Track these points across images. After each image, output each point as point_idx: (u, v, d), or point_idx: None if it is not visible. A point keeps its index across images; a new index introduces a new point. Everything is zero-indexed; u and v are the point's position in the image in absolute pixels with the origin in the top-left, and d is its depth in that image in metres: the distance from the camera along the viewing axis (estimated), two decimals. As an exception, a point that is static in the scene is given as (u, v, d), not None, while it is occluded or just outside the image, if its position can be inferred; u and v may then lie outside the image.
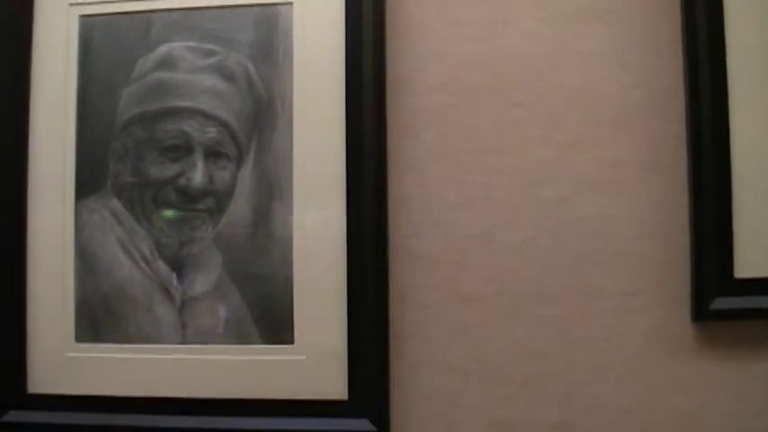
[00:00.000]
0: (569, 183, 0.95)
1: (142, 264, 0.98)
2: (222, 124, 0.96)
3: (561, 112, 0.96)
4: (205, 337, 0.97)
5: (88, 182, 0.99)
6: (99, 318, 0.99)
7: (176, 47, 0.98)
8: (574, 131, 0.95)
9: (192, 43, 0.98)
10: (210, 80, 0.97)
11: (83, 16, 1.00)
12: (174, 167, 0.97)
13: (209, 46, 0.98)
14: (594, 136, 0.95)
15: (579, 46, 0.96)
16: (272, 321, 0.96)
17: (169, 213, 0.98)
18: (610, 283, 0.94)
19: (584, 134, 0.95)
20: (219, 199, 0.97)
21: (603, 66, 0.96)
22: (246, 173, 0.97)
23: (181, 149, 0.97)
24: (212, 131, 0.96)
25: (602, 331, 0.94)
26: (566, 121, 0.96)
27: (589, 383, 0.94)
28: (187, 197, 0.97)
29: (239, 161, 0.97)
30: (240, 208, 0.97)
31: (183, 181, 0.97)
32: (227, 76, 0.97)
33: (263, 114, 0.97)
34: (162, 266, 0.97)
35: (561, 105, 0.96)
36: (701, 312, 0.92)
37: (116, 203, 0.99)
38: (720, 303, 0.91)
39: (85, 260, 0.99)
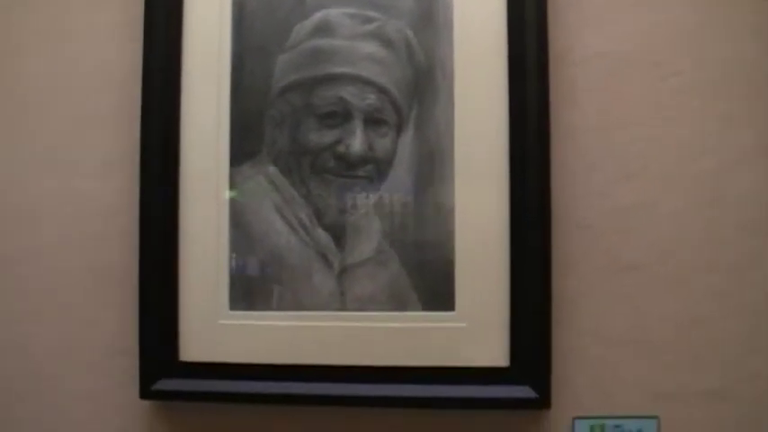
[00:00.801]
0: (728, 155, 0.95)
1: (300, 231, 0.97)
2: (382, 91, 0.96)
3: (718, 84, 0.96)
4: (364, 305, 0.97)
5: (243, 149, 0.98)
6: (254, 285, 0.98)
7: (333, 13, 0.98)
8: (731, 104, 0.96)
9: (350, 10, 0.97)
10: (369, 47, 0.97)
11: (237, -18, 0.99)
12: (333, 134, 0.97)
13: (369, 13, 0.97)
14: (752, 108, 0.95)
15: (735, 18, 0.96)
16: (433, 288, 0.96)
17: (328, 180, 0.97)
18: (769, 252, 0.95)
19: (741, 106, 0.96)
20: (379, 166, 0.96)
21: (760, 39, 0.96)
22: (407, 141, 0.96)
23: (339, 116, 0.97)
24: (372, 98, 0.96)
25: (762, 300, 0.94)
26: (723, 92, 0.96)
27: (748, 353, 0.94)
28: (346, 164, 0.96)
29: (399, 129, 0.97)
30: (400, 176, 0.96)
31: (341, 148, 0.96)
32: (387, 43, 0.97)
33: (423, 83, 0.97)
34: (321, 234, 0.97)
35: (717, 77, 0.96)
36: None
37: (272, 170, 0.98)
38: None
39: (241, 227, 0.98)
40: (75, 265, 1.01)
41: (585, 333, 0.96)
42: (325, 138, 0.97)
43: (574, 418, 0.96)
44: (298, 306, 0.97)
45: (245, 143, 0.98)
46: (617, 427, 0.96)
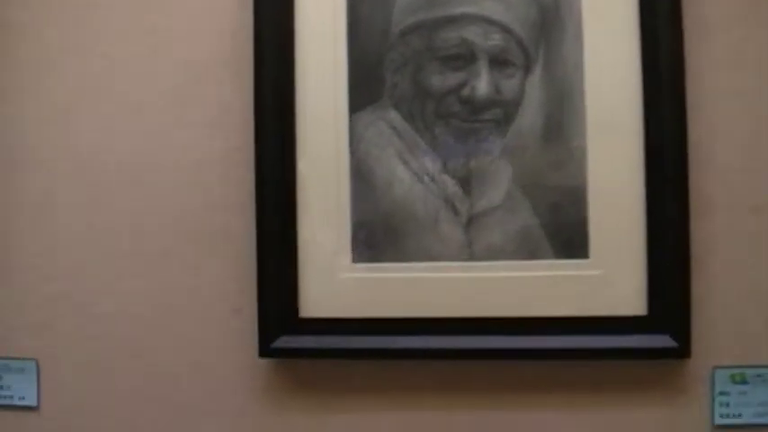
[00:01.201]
0: None
1: (425, 179, 0.93)
2: (507, 31, 0.92)
3: None
4: (493, 254, 0.93)
5: (362, 94, 0.94)
6: (377, 237, 0.94)
7: (452, -49, 0.93)
8: None
9: (470, -53, 0.93)
10: (492, -15, 0.92)
11: None
12: (457, 77, 0.93)
13: (491, -50, 0.93)
14: None
15: None
16: (566, 235, 0.92)
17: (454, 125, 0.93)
18: None
19: None
20: (507, 109, 0.92)
21: None
22: (535, 82, 0.92)
23: (463, 58, 0.93)
24: (497, 38, 0.92)
25: None
26: None
27: None
28: (472, 108, 0.92)
29: (527, 70, 0.92)
30: (529, 118, 0.92)
31: (466, 91, 0.92)
32: (509, -20, 0.92)
33: (549, 21, 0.93)
34: (447, 181, 0.93)
35: None
36: None
37: (394, 116, 0.94)
38: None
39: (362, 175, 0.94)
40: (188, 221, 0.97)
41: (724, 279, 0.92)
42: (449, 81, 0.93)
43: (714, 368, 0.92)
44: (423, 257, 0.93)
45: (365, 88, 0.94)
46: (758, 376, 0.92)
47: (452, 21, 0.93)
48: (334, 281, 0.94)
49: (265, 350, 0.94)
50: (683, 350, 0.90)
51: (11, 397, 1.02)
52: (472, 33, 0.92)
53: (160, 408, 0.98)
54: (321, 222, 0.94)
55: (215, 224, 0.96)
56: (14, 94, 1.00)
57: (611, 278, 0.91)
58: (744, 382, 0.91)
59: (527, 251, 0.92)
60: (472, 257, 0.93)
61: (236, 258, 0.95)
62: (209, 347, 0.96)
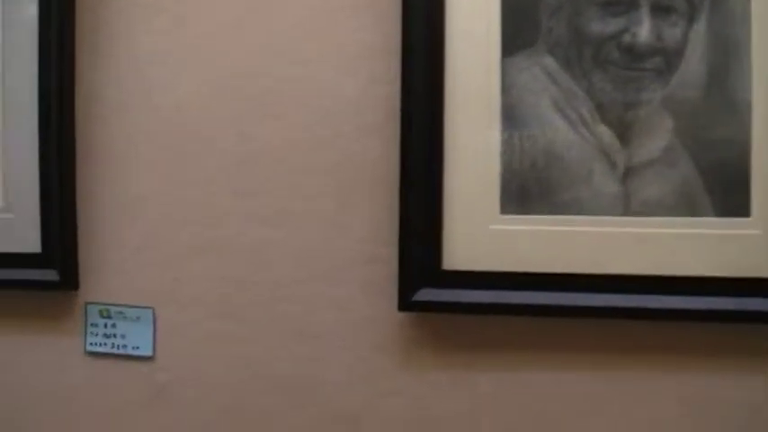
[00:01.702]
0: None
1: (581, 128, 0.89)
2: (671, -23, 0.88)
3: None
4: (651, 209, 0.88)
5: (515, 38, 0.90)
6: (528, 187, 0.90)
7: None
8: None
9: None
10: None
11: None
12: (617, 23, 0.88)
13: None
14: None
15: None
16: (727, 191, 0.88)
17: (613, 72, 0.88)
18: None
19: None
20: (669, 58, 0.88)
21: None
22: (699, 30, 0.88)
23: (624, 4, 0.88)
24: (660, -16, 0.88)
25: None
26: None
27: None
28: (632, 55, 0.88)
29: (690, 18, 0.88)
30: (692, 68, 0.88)
31: (627, 37, 0.88)
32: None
33: (715, -31, 0.88)
34: (604, 131, 0.89)
35: None
36: None
37: (550, 61, 0.89)
38: None
39: (513, 123, 0.90)
40: (323, 165, 0.92)
41: None
42: (609, 27, 0.89)
43: None
44: (576, 210, 0.89)
45: (518, 32, 0.90)
46: None
47: (613, -35, 0.88)
48: (481, 232, 0.90)
49: (405, 303, 0.90)
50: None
51: (125, 346, 0.97)
52: (634, -22, 0.88)
53: (289, 357, 0.93)
54: (469, 171, 0.90)
55: (353, 168, 0.91)
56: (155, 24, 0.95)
57: (773, 238, 0.87)
58: None
59: (686, 207, 0.88)
60: (627, 212, 0.89)
61: (375, 204, 0.90)
62: (345, 299, 0.92)
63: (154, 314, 0.97)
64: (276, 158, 0.93)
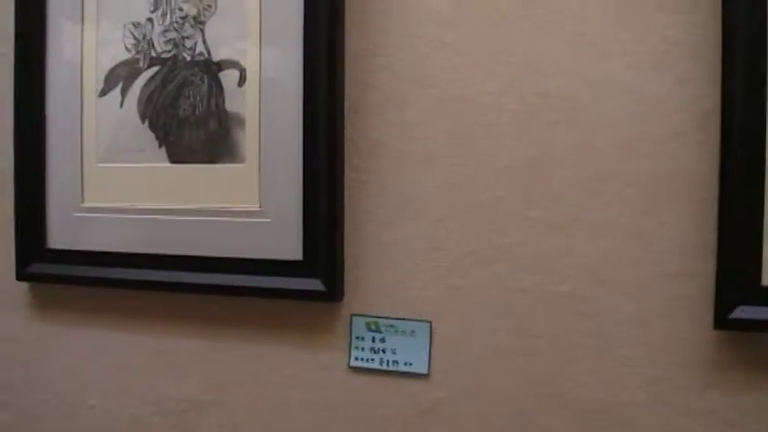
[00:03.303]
0: None
1: None
2: None
3: None
4: None
5: None
6: None
7: None
8: None
9: None
10: None
11: None
12: None
13: None
14: None
15: None
16: None
17: None
18: None
19: None
20: None
21: None
22: None
23: None
24: None
25: None
26: None
27: None
28: None
29: None
30: None
31: None
32: None
33: None
34: None
35: None
36: None
37: None
38: None
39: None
40: (622, 171, 0.86)
41: None
42: None
43: None
44: None
45: None
46: None
47: None
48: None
49: (722, 321, 0.83)
50: None
51: (395, 362, 0.91)
52: None
53: (581, 375, 0.86)
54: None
55: (659, 177, 0.85)
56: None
57: None
58: None
59: None
60: None
61: (683, 216, 0.84)
62: (646, 315, 0.85)
63: (431, 328, 0.91)
64: (570, 163, 0.87)
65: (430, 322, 0.91)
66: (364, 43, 0.93)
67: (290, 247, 0.93)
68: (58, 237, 1.04)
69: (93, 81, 1.02)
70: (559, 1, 0.87)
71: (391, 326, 0.92)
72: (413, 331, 0.91)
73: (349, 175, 0.93)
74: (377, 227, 0.93)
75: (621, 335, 0.86)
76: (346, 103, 0.92)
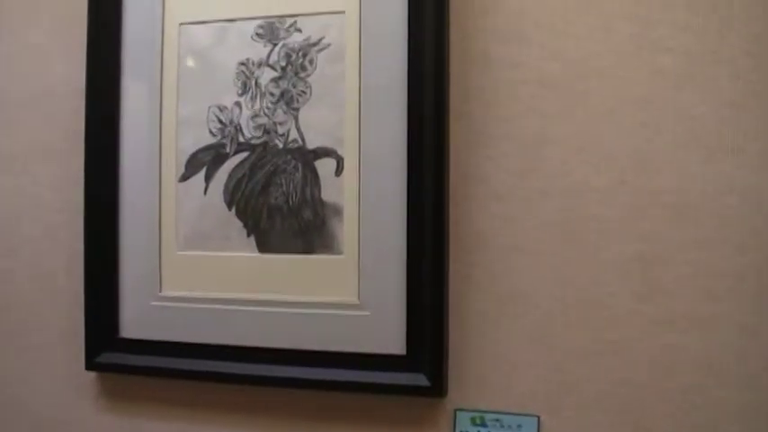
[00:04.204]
0: None
1: None
2: None
3: None
4: None
5: None
6: None
7: None
8: None
9: None
10: None
11: None
12: None
13: None
14: None
15: None
16: None
17: None
18: None
19: None
20: None
21: None
22: None
23: None
24: None
25: None
26: None
27: None
28: None
29: None
30: None
31: None
32: None
33: None
34: None
35: None
36: None
37: None
38: None
39: None
40: (732, 266, 0.86)
41: None
42: None
43: None
44: None
45: None
46: None
47: None
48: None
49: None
50: None
51: None
52: None
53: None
54: None
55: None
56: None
57: None
58: None
59: None
60: None
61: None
62: (763, 407, 0.85)
63: (539, 422, 0.89)
64: (681, 259, 0.87)
65: (538, 417, 0.90)
66: (469, 134, 0.91)
67: (392, 341, 0.91)
68: (133, 326, 1.00)
69: (173, 165, 0.97)
70: (667, 100, 0.87)
71: (497, 420, 0.90)
72: (519, 426, 0.90)
73: (453, 267, 0.91)
74: (482, 320, 0.91)
75: (734, 428, 0.86)
76: (450, 195, 0.90)
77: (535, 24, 0.90)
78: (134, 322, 1.00)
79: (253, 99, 0.95)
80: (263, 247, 0.95)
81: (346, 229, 0.92)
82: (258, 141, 0.95)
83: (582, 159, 0.89)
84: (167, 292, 0.98)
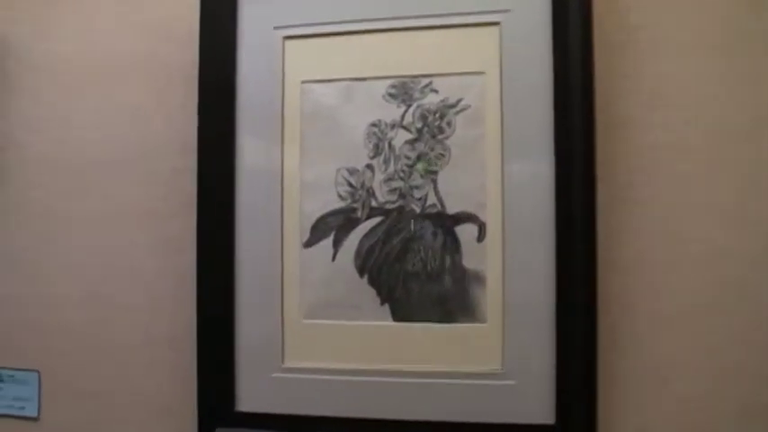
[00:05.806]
0: None
1: None
2: None
3: None
4: None
5: None
6: None
7: None
8: None
9: None
10: None
11: None
12: None
13: None
14: None
15: None
16: None
17: None
18: None
19: None
20: None
21: None
22: None
23: None
24: None
25: None
26: None
27: None
28: None
29: None
30: None
31: None
32: None
33: None
34: None
35: None
36: None
37: None
38: None
39: None
40: None
41: None
42: None
43: None
44: None
45: None
46: None
47: None
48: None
49: None
50: None
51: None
52: None
53: None
54: None
55: None
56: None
57: None
58: None
59: None
60: None
61: None
62: None
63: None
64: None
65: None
66: (612, 198, 0.90)
67: (540, 411, 0.88)
68: (252, 399, 0.94)
69: (297, 230, 0.93)
70: None
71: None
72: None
73: (602, 335, 0.89)
74: (630, 388, 0.90)
75: None
76: (599, 259, 0.89)
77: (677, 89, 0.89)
78: (253, 395, 0.94)
79: (386, 162, 0.91)
80: (398, 315, 0.91)
81: (489, 297, 0.89)
82: (393, 206, 0.91)
83: (722, 224, 0.88)
84: (291, 362, 0.93)
